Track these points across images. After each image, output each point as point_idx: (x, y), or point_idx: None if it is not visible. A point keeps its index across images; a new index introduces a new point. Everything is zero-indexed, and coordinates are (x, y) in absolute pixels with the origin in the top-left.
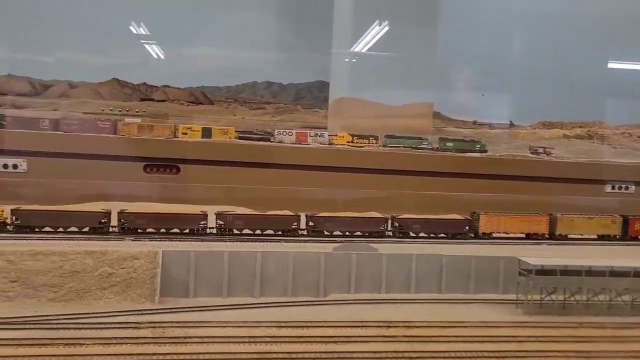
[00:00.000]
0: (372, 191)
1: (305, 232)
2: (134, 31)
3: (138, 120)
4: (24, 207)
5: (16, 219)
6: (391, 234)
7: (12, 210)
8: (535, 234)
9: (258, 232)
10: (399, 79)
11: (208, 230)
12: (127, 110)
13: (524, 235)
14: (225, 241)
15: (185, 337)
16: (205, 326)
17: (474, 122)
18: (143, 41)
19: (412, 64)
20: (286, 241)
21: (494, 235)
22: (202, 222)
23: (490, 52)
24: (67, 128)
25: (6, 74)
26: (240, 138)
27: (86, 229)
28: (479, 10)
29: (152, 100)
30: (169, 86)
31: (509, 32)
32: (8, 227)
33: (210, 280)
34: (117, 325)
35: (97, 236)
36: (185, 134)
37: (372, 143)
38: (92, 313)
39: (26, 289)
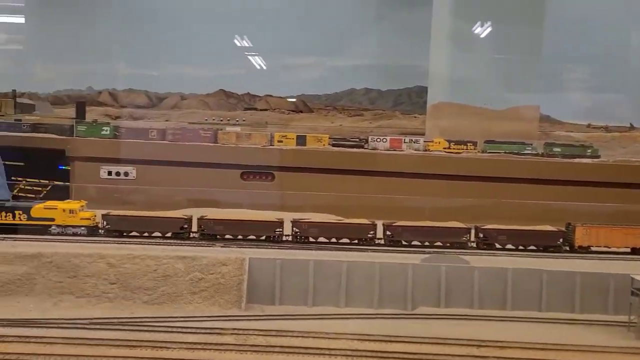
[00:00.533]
0: (467, 199)
1: (382, 242)
2: (238, 44)
3: (238, 129)
4: (113, 212)
5: (107, 224)
6: (475, 246)
7: (102, 215)
8: None
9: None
10: (502, 82)
11: (284, 238)
12: (228, 120)
13: (628, 250)
14: (301, 249)
15: (266, 346)
16: (287, 335)
17: (588, 125)
18: (247, 53)
19: (517, 66)
20: (361, 250)
21: (593, 249)
22: (278, 230)
23: (606, 50)
24: (172, 137)
25: (127, 88)
26: (334, 145)
27: (169, 234)
28: (591, 5)
29: (255, 109)
30: (271, 95)
31: (626, 27)
32: (100, 231)
33: (295, 288)
34: (203, 331)
35: (179, 241)
36: (281, 141)
37: (470, 149)
38: (182, 317)
39: (124, 291)
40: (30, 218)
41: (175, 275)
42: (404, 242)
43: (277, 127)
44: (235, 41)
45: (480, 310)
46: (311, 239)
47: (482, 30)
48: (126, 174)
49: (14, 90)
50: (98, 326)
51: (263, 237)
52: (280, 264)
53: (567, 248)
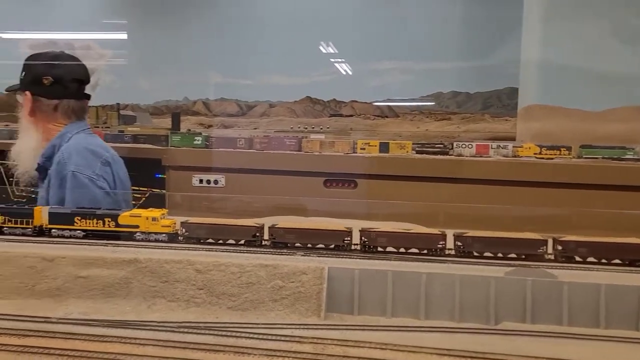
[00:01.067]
0: (559, 208)
1: (452, 252)
2: (324, 51)
3: (322, 136)
4: (191, 219)
5: (185, 231)
6: (552, 258)
7: (181, 222)
8: None
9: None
10: (600, 81)
11: (352, 247)
12: (313, 127)
13: None
14: (371, 258)
15: (344, 356)
16: (365, 347)
17: None
18: (333, 59)
19: (616, 63)
20: (429, 261)
21: None
22: (346, 239)
23: None
24: (259, 146)
25: (219, 97)
26: (417, 152)
27: (242, 242)
28: None
29: (340, 115)
30: (356, 101)
31: None
32: (180, 238)
33: (374, 298)
34: (282, 338)
35: (252, 249)
36: (364, 149)
37: (564, 154)
38: (263, 324)
39: (210, 296)
40: (117, 225)
41: (257, 282)
42: (475, 253)
43: (362, 133)
44: (321, 48)
45: (570, 327)
46: (380, 249)
47: (576, 26)
48: (216, 181)
49: (118, 104)
50: (186, 329)
51: (332, 246)
52: (359, 274)
53: None
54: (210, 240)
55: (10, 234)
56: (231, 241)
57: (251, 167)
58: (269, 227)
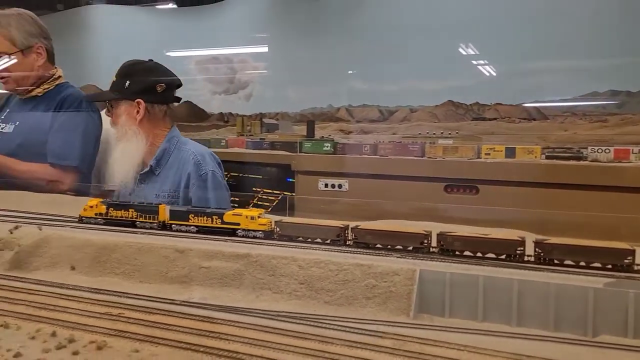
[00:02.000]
0: None
1: (532, 259)
2: (465, 53)
3: (450, 142)
4: (284, 219)
5: (279, 229)
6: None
7: (275, 222)
8: None
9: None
10: None
11: (431, 250)
12: (442, 132)
13: None
14: (447, 261)
15: (419, 353)
16: (442, 346)
17: None
18: (475, 62)
19: None
20: (507, 267)
21: None
22: (424, 241)
23: None
24: (383, 152)
25: (362, 104)
26: (547, 157)
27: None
28: None
29: (483, 119)
30: (500, 104)
31: None
32: (274, 235)
33: (465, 302)
34: (366, 332)
35: (344, 248)
36: (488, 154)
37: None
38: (354, 318)
39: (309, 291)
40: (223, 222)
41: (353, 280)
42: (555, 261)
43: (502, 137)
44: (461, 50)
45: None
46: (457, 252)
47: None
48: (340, 186)
49: (261, 113)
50: (284, 318)
51: (410, 248)
52: (450, 277)
53: None
54: (300, 239)
55: (141, 227)
56: (318, 240)
57: (374, 173)
58: (352, 228)
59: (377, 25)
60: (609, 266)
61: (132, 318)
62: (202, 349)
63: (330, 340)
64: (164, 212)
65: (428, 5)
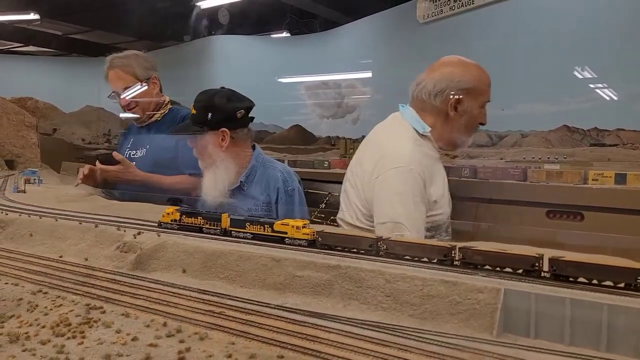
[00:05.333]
0: None
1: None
2: (581, 76)
3: (557, 167)
4: (325, 229)
5: (320, 239)
6: None
7: (317, 231)
8: None
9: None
10: None
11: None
12: (548, 157)
13: None
14: (501, 278)
15: None
16: None
17: None
18: (593, 85)
19: None
20: (526, 281)
21: None
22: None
23: None
24: (483, 175)
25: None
26: None
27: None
28: None
29: (602, 145)
30: (623, 129)
31: None
32: (317, 244)
33: (551, 324)
34: (445, 345)
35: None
36: (596, 180)
37: None
38: (436, 332)
39: (394, 303)
40: (273, 230)
41: (437, 296)
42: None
43: (621, 165)
44: (577, 72)
45: None
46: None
47: None
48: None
49: (363, 136)
50: (369, 327)
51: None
52: (535, 298)
53: None
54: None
55: (207, 233)
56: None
57: (474, 196)
58: (550, 259)
59: (485, 48)
60: None
61: (231, 316)
62: (289, 347)
63: (410, 349)
64: (226, 220)
65: (538, 26)
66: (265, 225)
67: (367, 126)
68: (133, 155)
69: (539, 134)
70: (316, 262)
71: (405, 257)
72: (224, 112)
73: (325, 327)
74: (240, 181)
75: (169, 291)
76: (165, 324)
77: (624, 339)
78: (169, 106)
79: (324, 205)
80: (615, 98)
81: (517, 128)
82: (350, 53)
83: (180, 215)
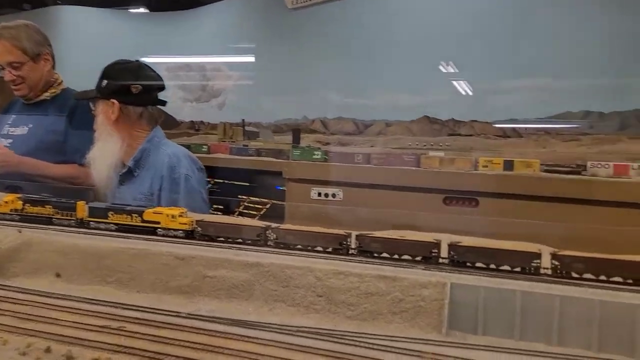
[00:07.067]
0: None
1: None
2: (444, 70)
3: (442, 153)
4: (206, 218)
5: (200, 229)
6: None
7: (196, 221)
8: None
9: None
10: None
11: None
12: (432, 145)
13: None
14: (444, 271)
15: None
16: None
17: None
18: (452, 78)
19: None
20: (508, 278)
21: None
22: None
23: None
24: (376, 162)
25: (337, 116)
26: (546, 171)
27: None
28: None
29: (459, 135)
30: (476, 121)
31: None
32: (196, 235)
33: (500, 319)
34: (402, 351)
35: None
36: (486, 166)
37: None
38: (382, 335)
39: (329, 304)
40: (143, 220)
41: (377, 293)
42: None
43: (482, 153)
44: (441, 67)
45: None
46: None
47: None
48: (334, 195)
49: (243, 120)
50: (305, 334)
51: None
52: (484, 292)
53: None
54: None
55: (58, 224)
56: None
57: (369, 182)
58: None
59: (354, 38)
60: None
61: (136, 332)
62: None
63: (349, 356)
64: (83, 209)
65: (407, 21)
66: (133, 215)
67: (235, 111)
68: (12, 132)
69: (402, 123)
70: (231, 259)
71: (297, 247)
72: (118, 83)
73: (254, 338)
74: (129, 166)
75: (44, 303)
76: (48, 350)
77: (575, 331)
78: (62, 86)
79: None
80: (470, 92)
81: (382, 117)
82: (217, 35)
83: (23, 204)
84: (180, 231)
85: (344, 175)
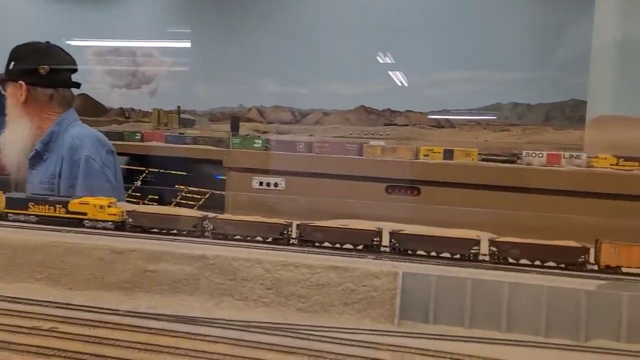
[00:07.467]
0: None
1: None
2: (381, 60)
3: (382, 142)
4: (137, 209)
5: (131, 220)
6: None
7: (127, 211)
8: None
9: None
10: None
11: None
12: (372, 134)
13: None
14: (395, 260)
15: None
16: (446, 357)
17: None
18: (389, 70)
19: None
20: (459, 266)
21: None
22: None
23: None
24: (318, 150)
25: (274, 105)
26: (483, 160)
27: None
28: None
29: (395, 125)
30: (411, 111)
31: None
32: (127, 226)
33: (451, 307)
34: (357, 344)
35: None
36: (427, 155)
37: None
38: (335, 327)
39: (279, 297)
40: (67, 212)
41: (328, 284)
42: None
43: (418, 143)
44: (378, 58)
45: None
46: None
47: None
48: (276, 184)
49: (178, 107)
50: (255, 329)
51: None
52: (435, 281)
53: (597, 268)
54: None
55: None
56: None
57: (311, 171)
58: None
59: (294, 28)
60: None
61: (70, 333)
62: None
63: (321, 354)
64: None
65: (348, 11)
66: (57, 205)
67: (168, 98)
68: None
69: (339, 112)
70: (174, 252)
71: (236, 237)
72: (25, 64)
73: (201, 335)
74: (37, 149)
75: None
76: None
77: (524, 317)
78: None
79: (139, 183)
80: (406, 83)
81: (319, 106)
82: (149, 19)
83: None
84: (110, 222)
85: (286, 164)
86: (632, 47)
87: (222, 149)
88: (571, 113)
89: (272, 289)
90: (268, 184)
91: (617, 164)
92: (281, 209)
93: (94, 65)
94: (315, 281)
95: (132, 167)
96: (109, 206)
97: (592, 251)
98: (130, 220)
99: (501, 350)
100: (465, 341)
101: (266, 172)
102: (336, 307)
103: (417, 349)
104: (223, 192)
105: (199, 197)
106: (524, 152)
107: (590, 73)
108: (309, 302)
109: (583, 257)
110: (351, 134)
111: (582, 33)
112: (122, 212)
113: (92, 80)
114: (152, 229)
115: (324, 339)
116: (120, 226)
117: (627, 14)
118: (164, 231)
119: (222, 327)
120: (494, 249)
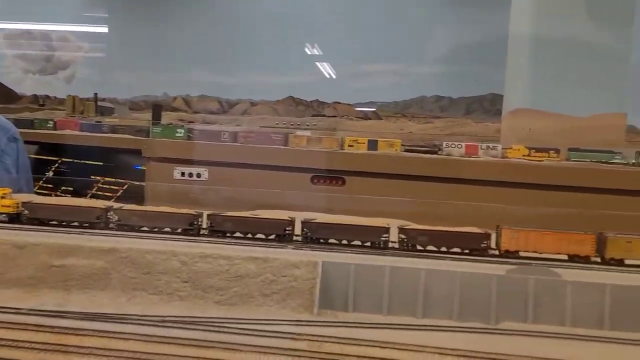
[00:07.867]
0: (541, 208)
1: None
2: (309, 52)
3: (308, 133)
4: (34, 200)
5: (28, 212)
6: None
7: (23, 203)
8: (577, 256)
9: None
10: (585, 88)
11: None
12: (299, 124)
13: (565, 257)
14: (315, 250)
15: (341, 355)
16: (364, 345)
17: None
18: (317, 61)
19: (602, 70)
20: (377, 254)
21: (523, 254)
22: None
23: None
24: (244, 140)
25: (200, 94)
26: (406, 151)
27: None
28: None
29: (323, 116)
30: (339, 102)
31: None
32: (23, 219)
33: (370, 295)
34: (276, 335)
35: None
36: (352, 146)
37: (553, 157)
38: (254, 319)
39: (196, 289)
40: None
41: (247, 276)
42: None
43: (345, 133)
44: (306, 49)
45: (574, 328)
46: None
47: (566, 32)
48: (199, 175)
49: (95, 94)
50: (171, 324)
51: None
52: (354, 269)
53: (497, 253)
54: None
55: None
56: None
57: (236, 161)
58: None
59: (222, 18)
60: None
61: None
62: None
63: (237, 347)
64: None
65: (278, 3)
66: None
67: (86, 85)
68: None
69: (267, 103)
70: (83, 245)
71: (144, 228)
72: None
73: (113, 332)
74: None
75: None
76: None
77: (439, 303)
78: None
79: (51, 174)
80: (334, 75)
81: (247, 97)
82: (64, 1)
83: None
84: (4, 215)
85: (210, 154)
86: (546, 44)
87: (142, 138)
88: (490, 106)
89: (189, 282)
90: (190, 175)
91: (528, 155)
92: (204, 200)
93: (4, 49)
94: (234, 273)
95: (42, 157)
96: (2, 197)
97: (493, 237)
98: (26, 212)
99: (418, 335)
100: (383, 328)
101: (189, 162)
102: (255, 298)
103: (335, 337)
104: (142, 183)
105: (117, 188)
106: (444, 143)
107: (507, 68)
108: (227, 294)
109: (485, 242)
110: (278, 124)
111: (501, 29)
112: (17, 203)
113: (1, 65)
114: (51, 221)
115: (241, 331)
116: (15, 218)
117: (540, 12)
118: (64, 223)
119: (135, 324)
120: (403, 236)
